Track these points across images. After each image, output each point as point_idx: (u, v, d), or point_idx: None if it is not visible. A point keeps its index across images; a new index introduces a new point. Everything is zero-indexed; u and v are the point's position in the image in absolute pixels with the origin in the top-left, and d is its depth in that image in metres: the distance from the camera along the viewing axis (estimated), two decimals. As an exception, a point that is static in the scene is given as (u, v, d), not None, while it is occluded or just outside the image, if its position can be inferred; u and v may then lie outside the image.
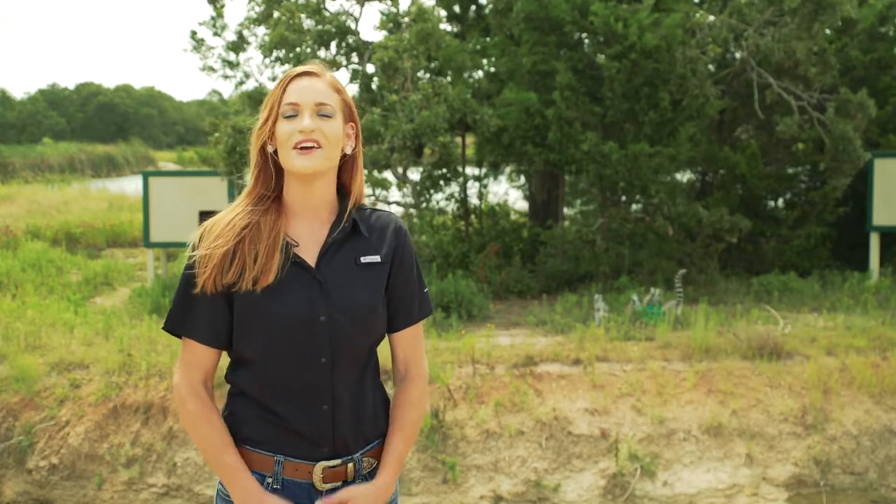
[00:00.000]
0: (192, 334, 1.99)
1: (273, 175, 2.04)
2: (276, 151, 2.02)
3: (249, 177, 2.06)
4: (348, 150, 2.07)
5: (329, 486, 2.00)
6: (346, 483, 2.02)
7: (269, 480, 1.98)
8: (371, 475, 2.06)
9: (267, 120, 2.01)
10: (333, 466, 2.00)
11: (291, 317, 1.95)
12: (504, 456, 7.14)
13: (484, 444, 7.21)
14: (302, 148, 1.96)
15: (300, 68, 2.03)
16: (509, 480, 7.04)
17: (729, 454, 7.16)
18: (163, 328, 2.04)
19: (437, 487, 7.01)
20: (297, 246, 2.00)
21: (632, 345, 8.41)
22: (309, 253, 2.01)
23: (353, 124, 2.08)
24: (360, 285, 2.03)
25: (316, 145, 1.96)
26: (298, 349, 1.96)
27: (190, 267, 1.98)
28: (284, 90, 2.00)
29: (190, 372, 2.01)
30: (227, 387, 2.07)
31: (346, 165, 2.09)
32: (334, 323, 1.98)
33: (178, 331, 2.01)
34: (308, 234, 2.03)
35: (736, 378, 7.74)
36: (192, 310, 1.98)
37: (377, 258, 2.06)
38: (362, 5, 12.62)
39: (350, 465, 2.02)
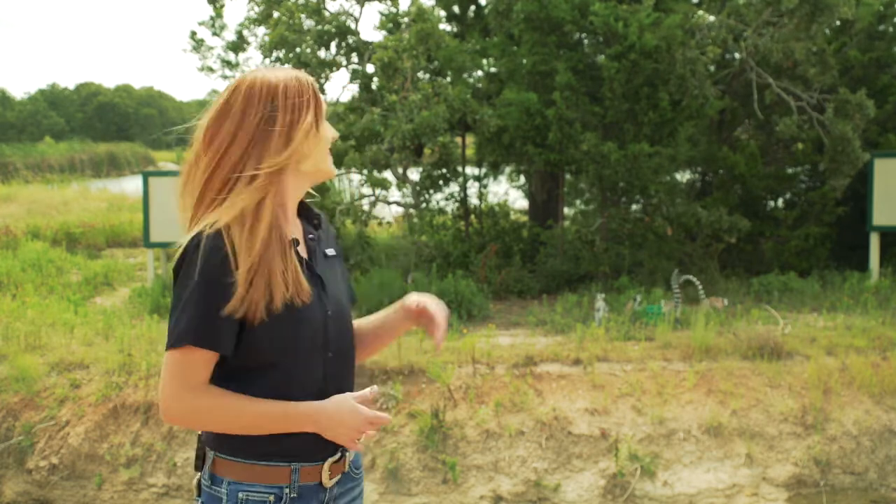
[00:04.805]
0: (223, 347, 1.89)
1: None
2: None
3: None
4: None
5: (333, 481, 2.02)
6: (344, 475, 2.06)
7: (287, 491, 1.95)
8: (355, 460, 2.11)
9: (319, 123, 2.03)
10: (337, 461, 2.03)
11: (311, 314, 1.96)
12: (504, 456, 7.14)
13: (484, 444, 7.22)
14: (329, 154, 2.07)
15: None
16: (509, 480, 7.04)
17: (729, 454, 7.16)
18: (192, 343, 1.86)
19: (437, 487, 7.02)
20: (298, 244, 2.02)
21: (632, 345, 8.41)
22: (301, 248, 2.04)
23: None
24: (339, 277, 2.11)
25: None
26: (313, 346, 1.97)
27: (219, 263, 1.85)
28: (319, 95, 2.04)
29: (191, 385, 1.89)
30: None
31: None
32: (334, 317, 2.03)
33: (213, 345, 1.87)
34: (294, 229, 2.06)
35: (736, 378, 7.74)
36: (220, 321, 1.86)
37: (334, 251, 2.14)
38: (362, 5, 12.63)
39: (347, 455, 2.05)
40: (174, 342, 1.86)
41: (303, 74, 2.03)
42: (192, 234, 1.89)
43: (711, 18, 11.21)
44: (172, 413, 1.90)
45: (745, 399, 7.52)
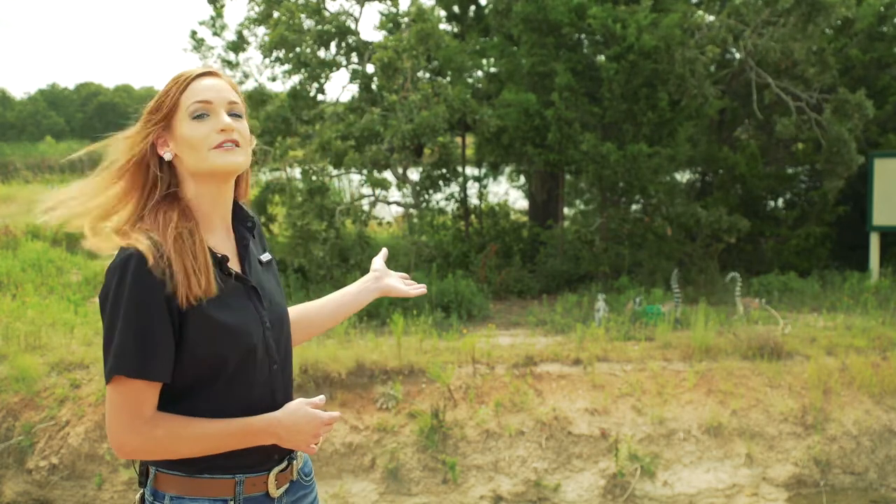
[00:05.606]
0: (159, 375, 1.78)
1: (167, 183, 1.92)
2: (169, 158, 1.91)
3: (127, 190, 1.91)
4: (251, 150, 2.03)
5: (281, 490, 1.98)
6: (294, 484, 2.02)
7: (232, 503, 1.91)
8: (304, 467, 2.07)
9: (158, 121, 1.87)
10: (283, 470, 1.99)
11: (248, 328, 1.89)
12: (504, 456, 7.14)
13: (484, 444, 7.22)
14: (225, 147, 1.88)
15: (200, 69, 1.92)
16: (509, 480, 7.04)
17: (729, 454, 7.16)
18: (123, 374, 1.74)
19: (437, 487, 7.02)
20: (228, 260, 1.92)
21: (632, 345, 8.41)
22: (233, 261, 1.95)
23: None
24: (274, 285, 2.04)
25: (236, 144, 1.89)
26: (256, 360, 1.91)
27: (146, 288, 1.77)
28: (185, 89, 1.88)
29: (144, 415, 1.79)
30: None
31: None
32: (274, 328, 1.97)
33: (147, 374, 1.76)
34: (223, 241, 1.96)
35: (736, 378, 7.74)
36: (154, 344, 1.76)
37: (268, 255, 2.07)
38: (362, 5, 12.62)
39: (294, 462, 2.01)
40: (108, 375, 1.76)
41: (185, 74, 1.90)
42: (119, 252, 1.84)
43: (710, 18, 11.21)
44: (129, 447, 1.80)
45: (745, 399, 7.52)
